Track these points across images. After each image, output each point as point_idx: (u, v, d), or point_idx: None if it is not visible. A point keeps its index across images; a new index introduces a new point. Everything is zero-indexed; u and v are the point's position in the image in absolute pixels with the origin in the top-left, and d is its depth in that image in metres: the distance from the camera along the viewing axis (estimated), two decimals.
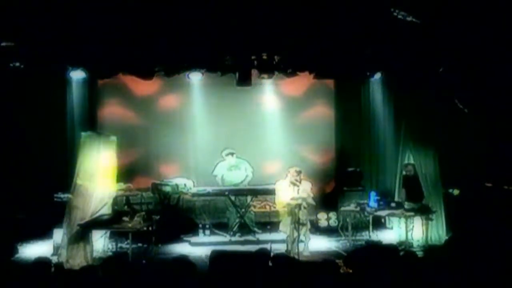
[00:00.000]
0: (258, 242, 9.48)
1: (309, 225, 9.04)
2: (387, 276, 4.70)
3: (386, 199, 9.72)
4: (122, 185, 9.53)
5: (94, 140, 8.62)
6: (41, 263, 4.96)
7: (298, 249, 8.59)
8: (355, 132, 11.84)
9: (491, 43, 8.67)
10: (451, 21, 8.45)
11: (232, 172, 10.45)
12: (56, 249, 8.71)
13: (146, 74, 9.54)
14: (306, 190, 8.74)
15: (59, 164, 10.26)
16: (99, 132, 9.75)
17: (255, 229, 10.15)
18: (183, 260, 4.92)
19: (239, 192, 10.23)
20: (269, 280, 4.72)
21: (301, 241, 8.72)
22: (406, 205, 9.51)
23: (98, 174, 8.44)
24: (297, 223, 8.57)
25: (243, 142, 11.16)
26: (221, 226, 10.45)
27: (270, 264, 5.09)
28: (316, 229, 10.51)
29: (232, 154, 10.43)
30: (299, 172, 8.78)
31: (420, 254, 7.50)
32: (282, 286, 4.69)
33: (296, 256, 8.09)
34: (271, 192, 9.55)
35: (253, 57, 9.33)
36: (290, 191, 8.68)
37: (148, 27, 8.45)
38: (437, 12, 8.36)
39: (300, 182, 8.71)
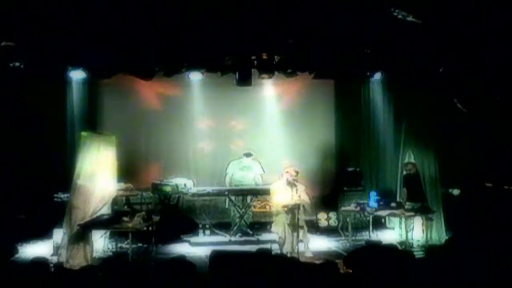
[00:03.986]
0: (258, 242, 9.49)
1: (305, 227, 9.02)
2: (387, 276, 4.70)
3: (386, 199, 9.72)
4: (122, 185, 9.52)
5: (94, 140, 8.61)
6: (39, 263, 4.95)
7: (298, 249, 8.59)
8: (355, 132, 11.84)
9: (491, 43, 8.67)
10: (451, 21, 8.45)
11: (244, 172, 10.49)
12: (56, 249, 8.70)
13: (146, 74, 9.54)
14: (302, 192, 8.75)
15: (59, 164, 10.25)
16: (99, 132, 9.75)
17: (248, 230, 10.15)
18: (182, 260, 4.92)
19: (239, 192, 10.23)
20: (269, 280, 4.72)
21: (301, 241, 8.72)
22: (407, 205, 9.52)
23: (98, 174, 8.43)
24: (296, 224, 8.57)
25: (242, 142, 11.16)
26: (221, 226, 10.46)
27: (270, 264, 5.09)
28: (316, 229, 10.53)
29: (249, 155, 10.47)
30: (297, 172, 8.81)
31: (420, 254, 7.55)
32: (282, 286, 4.69)
33: (295, 256, 8.09)
34: (270, 192, 9.54)
35: (253, 57, 9.33)
36: (288, 192, 8.67)
37: (148, 27, 8.44)
38: (437, 12, 8.36)
39: (297, 182, 8.74)
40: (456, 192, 10.45)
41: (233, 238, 9.91)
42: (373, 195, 9.75)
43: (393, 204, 9.52)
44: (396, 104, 10.51)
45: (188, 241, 9.86)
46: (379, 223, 10.43)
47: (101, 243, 8.89)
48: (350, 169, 11.25)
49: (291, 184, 8.69)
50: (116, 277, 4.71)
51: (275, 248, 8.68)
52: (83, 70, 9.62)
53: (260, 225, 10.58)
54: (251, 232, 10.12)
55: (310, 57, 9.35)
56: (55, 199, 9.61)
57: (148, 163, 11.67)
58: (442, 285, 4.70)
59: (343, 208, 10.20)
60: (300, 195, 8.62)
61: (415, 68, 9.27)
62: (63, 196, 9.43)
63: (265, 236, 9.94)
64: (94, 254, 8.41)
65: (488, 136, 10.09)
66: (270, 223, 10.31)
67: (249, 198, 10.26)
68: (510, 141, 9.74)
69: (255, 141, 11.56)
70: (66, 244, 8.28)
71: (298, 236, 8.58)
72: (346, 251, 9.12)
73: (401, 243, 9.26)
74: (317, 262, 5.12)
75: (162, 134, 11.65)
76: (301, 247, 8.68)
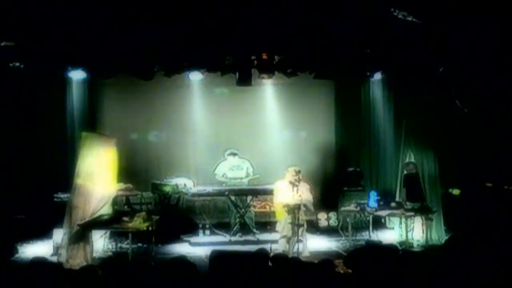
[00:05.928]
0: (258, 242, 9.48)
1: (305, 227, 9.03)
2: (387, 276, 4.70)
3: (386, 199, 9.72)
4: (122, 185, 9.52)
5: (94, 140, 8.61)
6: (39, 263, 4.95)
7: (298, 249, 8.59)
8: (355, 132, 11.84)
9: (491, 42, 8.67)
10: (451, 21, 8.45)
11: (234, 172, 10.48)
12: (56, 249, 8.70)
13: (146, 74, 9.54)
14: (305, 191, 8.73)
15: (59, 164, 10.25)
16: (99, 132, 9.74)
17: (254, 229, 10.16)
18: (183, 260, 4.92)
19: (239, 192, 10.23)
20: (269, 280, 4.72)
21: (300, 241, 8.72)
22: (407, 205, 9.52)
23: (98, 174, 8.43)
24: (296, 224, 8.57)
25: (243, 142, 11.16)
26: (221, 226, 10.45)
27: (270, 264, 5.09)
28: (316, 229, 10.53)
29: (234, 154, 10.46)
30: (298, 172, 8.78)
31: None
32: (282, 286, 4.69)
33: (295, 256, 8.09)
34: (271, 192, 9.54)
35: (253, 57, 9.33)
36: (290, 191, 8.66)
37: (148, 27, 8.45)
38: (437, 12, 8.36)
39: (299, 182, 8.71)
40: (456, 192, 10.44)
41: (233, 238, 9.91)
42: (373, 195, 9.75)
43: (393, 204, 9.52)
44: (396, 104, 10.50)
45: (188, 241, 9.86)
46: (379, 223, 10.42)
47: (101, 243, 8.89)
48: (350, 169, 11.25)
49: (293, 183, 8.68)
50: (116, 277, 4.70)
51: (275, 248, 8.69)
52: (83, 70, 9.62)
53: (260, 225, 10.57)
54: (256, 231, 10.10)
55: (310, 57, 9.36)
56: (55, 199, 9.61)
57: (148, 163, 11.67)
58: (442, 285, 4.70)
59: (343, 208, 10.20)
60: (301, 194, 8.62)
61: (415, 68, 9.27)
62: (63, 196, 9.42)
63: (265, 236, 9.93)
64: (94, 254, 8.40)
65: (488, 136, 10.09)
66: (270, 223, 10.35)
67: (249, 198, 10.25)
68: (510, 141, 9.74)
69: (255, 141, 11.57)
70: (66, 244, 8.28)
71: (297, 235, 8.58)
72: (346, 251, 9.12)
73: (401, 243, 9.26)
74: (317, 261, 5.12)
75: (161, 134, 11.64)
76: (300, 246, 8.68)
